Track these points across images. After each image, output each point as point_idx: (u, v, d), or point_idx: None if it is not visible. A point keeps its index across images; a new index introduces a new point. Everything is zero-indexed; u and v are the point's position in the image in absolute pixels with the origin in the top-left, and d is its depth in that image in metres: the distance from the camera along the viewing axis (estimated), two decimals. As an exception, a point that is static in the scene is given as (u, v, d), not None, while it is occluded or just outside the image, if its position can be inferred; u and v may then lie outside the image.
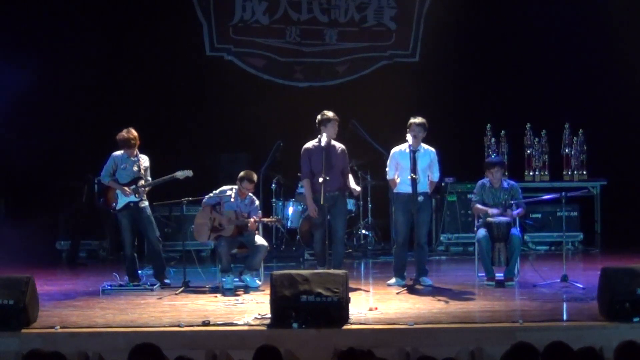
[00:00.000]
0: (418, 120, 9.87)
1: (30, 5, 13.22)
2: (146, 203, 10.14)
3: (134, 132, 10.02)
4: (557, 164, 13.25)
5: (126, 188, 9.97)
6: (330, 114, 10.00)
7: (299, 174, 10.26)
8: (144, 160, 10.15)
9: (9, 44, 12.95)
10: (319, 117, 10.02)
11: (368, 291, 9.86)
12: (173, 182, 10.20)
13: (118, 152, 10.08)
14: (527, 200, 10.52)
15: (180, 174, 10.09)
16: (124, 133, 10.00)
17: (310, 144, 10.04)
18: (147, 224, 10.08)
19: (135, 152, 10.07)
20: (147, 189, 10.09)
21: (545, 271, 10.19)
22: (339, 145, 10.11)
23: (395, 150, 10.03)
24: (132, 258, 10.14)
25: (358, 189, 10.44)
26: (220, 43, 14.18)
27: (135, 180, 10.02)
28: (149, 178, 10.13)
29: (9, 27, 13.17)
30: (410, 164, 9.66)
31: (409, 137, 9.80)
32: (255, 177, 10.11)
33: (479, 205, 10.16)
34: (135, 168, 10.05)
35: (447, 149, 11.65)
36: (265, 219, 10.35)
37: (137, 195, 10.00)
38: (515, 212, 10.01)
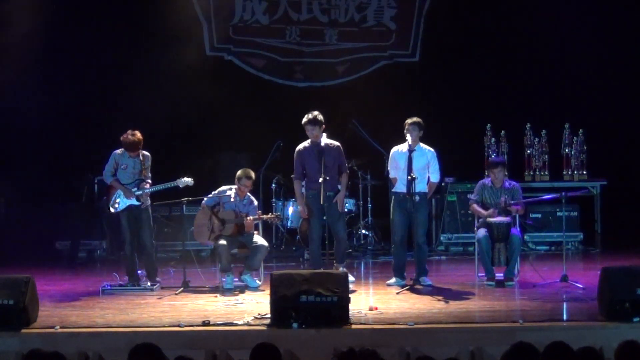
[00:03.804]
0: (411, 119, 9.93)
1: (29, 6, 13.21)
2: (148, 202, 10.11)
3: (139, 135, 9.95)
4: (557, 164, 13.24)
5: (127, 190, 9.94)
6: (305, 118, 9.90)
7: (292, 176, 10.28)
8: (146, 159, 10.11)
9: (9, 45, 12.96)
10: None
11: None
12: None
13: (118, 151, 10.05)
14: (527, 200, 10.52)
15: (181, 182, 10.04)
16: (129, 136, 9.91)
17: (301, 146, 10.05)
18: (145, 227, 10.04)
19: (138, 153, 10.03)
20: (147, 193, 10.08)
21: (545, 271, 10.19)
22: (332, 144, 10.05)
23: (393, 150, 10.11)
24: (132, 257, 10.10)
25: (341, 207, 10.11)
26: (220, 43, 14.19)
27: (135, 182, 9.99)
28: (149, 174, 10.10)
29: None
30: (407, 163, 9.70)
31: (408, 137, 9.84)
32: (252, 173, 10.17)
33: (475, 206, 10.18)
34: (136, 169, 10.02)
35: (447, 149, 11.65)
36: (265, 216, 10.36)
37: (138, 199, 9.96)
38: (513, 207, 9.96)
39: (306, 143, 10.01)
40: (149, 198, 10.11)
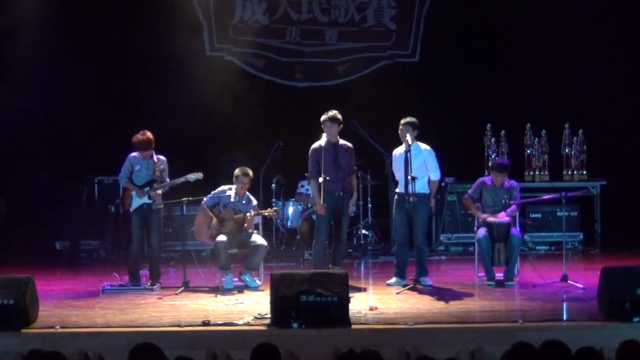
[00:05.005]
0: (404, 119, 9.95)
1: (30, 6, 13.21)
2: (160, 206, 10.11)
3: (149, 134, 9.97)
4: (557, 164, 13.24)
5: (140, 190, 9.94)
6: (325, 115, 9.99)
7: (306, 174, 10.28)
8: (161, 162, 10.11)
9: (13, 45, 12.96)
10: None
11: (365, 290, 9.86)
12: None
13: (134, 153, 10.07)
14: (527, 200, 10.52)
15: (192, 177, 10.07)
16: (139, 135, 9.94)
17: (317, 144, 10.07)
18: (154, 229, 10.07)
19: (150, 154, 10.05)
20: (160, 191, 10.06)
21: (545, 271, 10.19)
22: (346, 145, 10.12)
23: (394, 152, 10.16)
24: (137, 256, 10.08)
25: (351, 210, 10.21)
26: (220, 43, 14.19)
27: (149, 182, 10.00)
28: (167, 179, 10.10)
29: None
30: (404, 164, 9.72)
31: (407, 137, 9.84)
32: (249, 170, 10.20)
33: (469, 201, 10.18)
34: (150, 170, 10.02)
35: (447, 149, 11.65)
36: (264, 211, 10.37)
37: (149, 197, 9.96)
38: (508, 210, 9.99)
39: (321, 142, 10.03)
40: (161, 198, 10.11)
